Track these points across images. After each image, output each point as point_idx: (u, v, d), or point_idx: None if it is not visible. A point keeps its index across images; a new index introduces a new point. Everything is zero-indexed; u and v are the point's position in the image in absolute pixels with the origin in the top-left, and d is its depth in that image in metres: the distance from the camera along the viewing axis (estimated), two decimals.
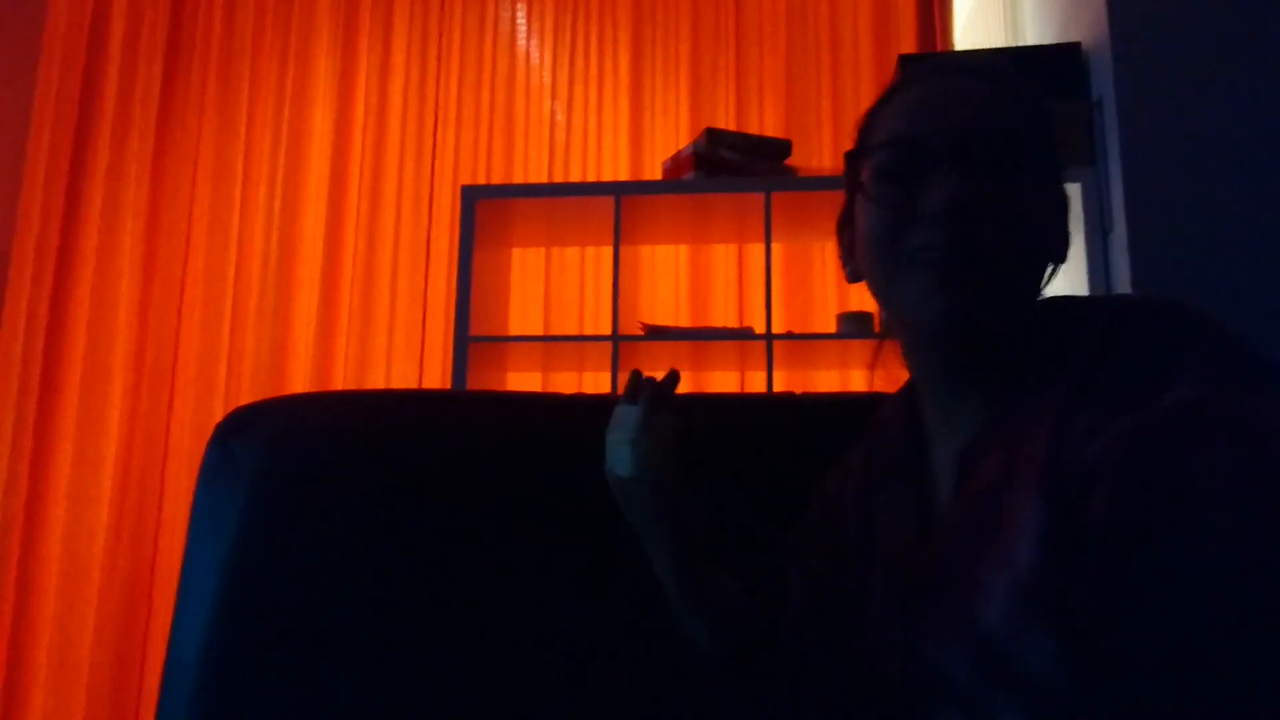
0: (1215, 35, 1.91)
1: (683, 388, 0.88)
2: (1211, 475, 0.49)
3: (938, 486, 0.71)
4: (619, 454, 0.82)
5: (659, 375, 0.90)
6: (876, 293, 0.72)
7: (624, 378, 2.48)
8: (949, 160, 0.65)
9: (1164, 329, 0.58)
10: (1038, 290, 0.68)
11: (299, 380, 3.10)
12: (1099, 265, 2.06)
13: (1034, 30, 2.61)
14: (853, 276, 0.77)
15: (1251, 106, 1.87)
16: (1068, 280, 2.20)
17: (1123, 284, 1.93)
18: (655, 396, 0.84)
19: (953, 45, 3.06)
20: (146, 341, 3.15)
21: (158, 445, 3.09)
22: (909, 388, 0.78)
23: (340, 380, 3.11)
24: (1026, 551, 0.57)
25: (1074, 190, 2.14)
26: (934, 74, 0.71)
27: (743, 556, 0.87)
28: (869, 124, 0.74)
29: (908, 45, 3.10)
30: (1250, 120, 1.86)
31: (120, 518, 2.99)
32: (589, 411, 0.96)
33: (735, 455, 0.94)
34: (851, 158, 0.75)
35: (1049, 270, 0.69)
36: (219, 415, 2.75)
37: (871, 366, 0.82)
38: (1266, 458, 0.49)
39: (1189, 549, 0.49)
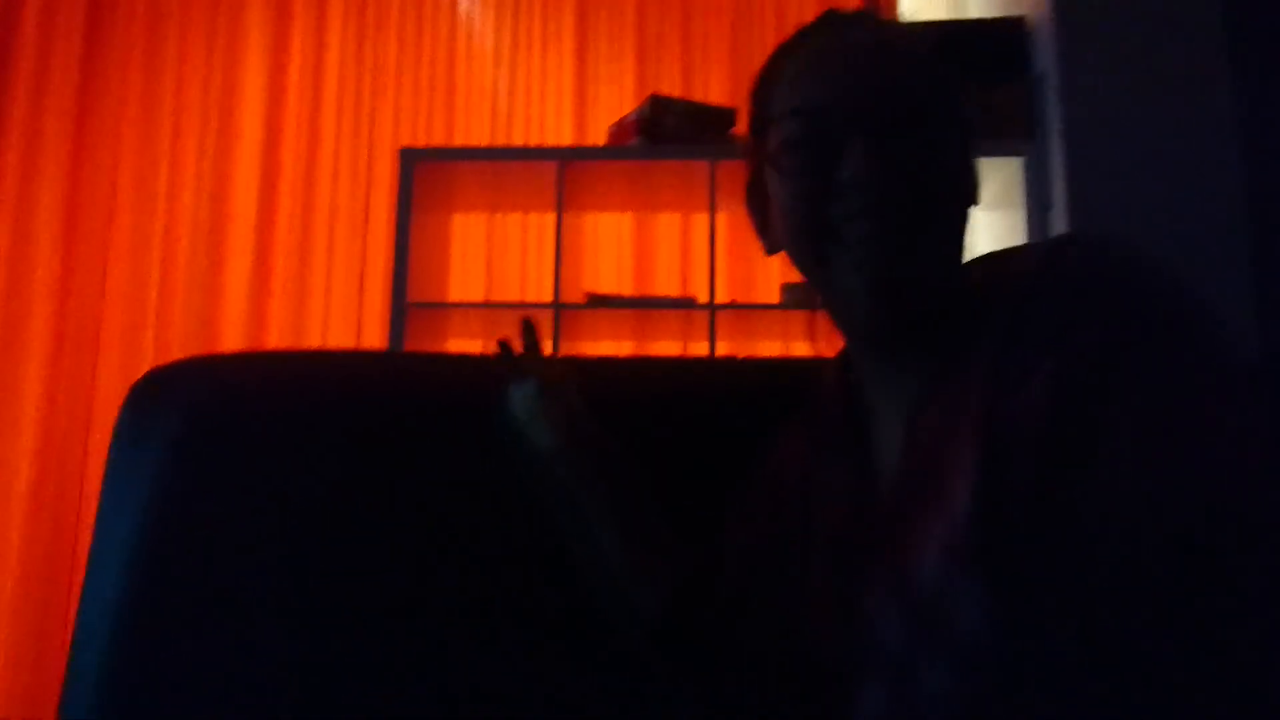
0: (1158, 13, 1.93)
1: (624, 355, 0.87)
2: (1118, 423, 0.50)
3: (880, 449, 0.70)
4: (534, 433, 0.83)
5: (595, 346, 0.88)
6: (800, 266, 0.70)
7: (565, 347, 2.46)
8: (857, 126, 0.63)
9: (1085, 271, 0.58)
10: (963, 240, 0.67)
11: (231, 347, 3.02)
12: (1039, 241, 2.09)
13: (978, 2, 2.62)
14: (771, 248, 0.76)
15: (1192, 85, 1.89)
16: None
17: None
18: (535, 365, 0.86)
19: (898, 16, 3.06)
20: (68, 306, 3.02)
21: (80, 414, 2.98)
22: (845, 354, 0.77)
23: (274, 347, 3.03)
24: (963, 501, 0.56)
25: (1014, 166, 2.16)
26: (820, 33, 0.69)
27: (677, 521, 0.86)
28: (764, 92, 0.72)
29: None
30: (1191, 99, 1.88)
31: (40, 489, 2.88)
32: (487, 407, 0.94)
33: (676, 418, 0.92)
34: (754, 127, 0.73)
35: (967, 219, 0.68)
36: None
37: (811, 338, 0.81)
38: (1168, 407, 0.50)
39: (1098, 496, 0.50)
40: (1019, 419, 0.54)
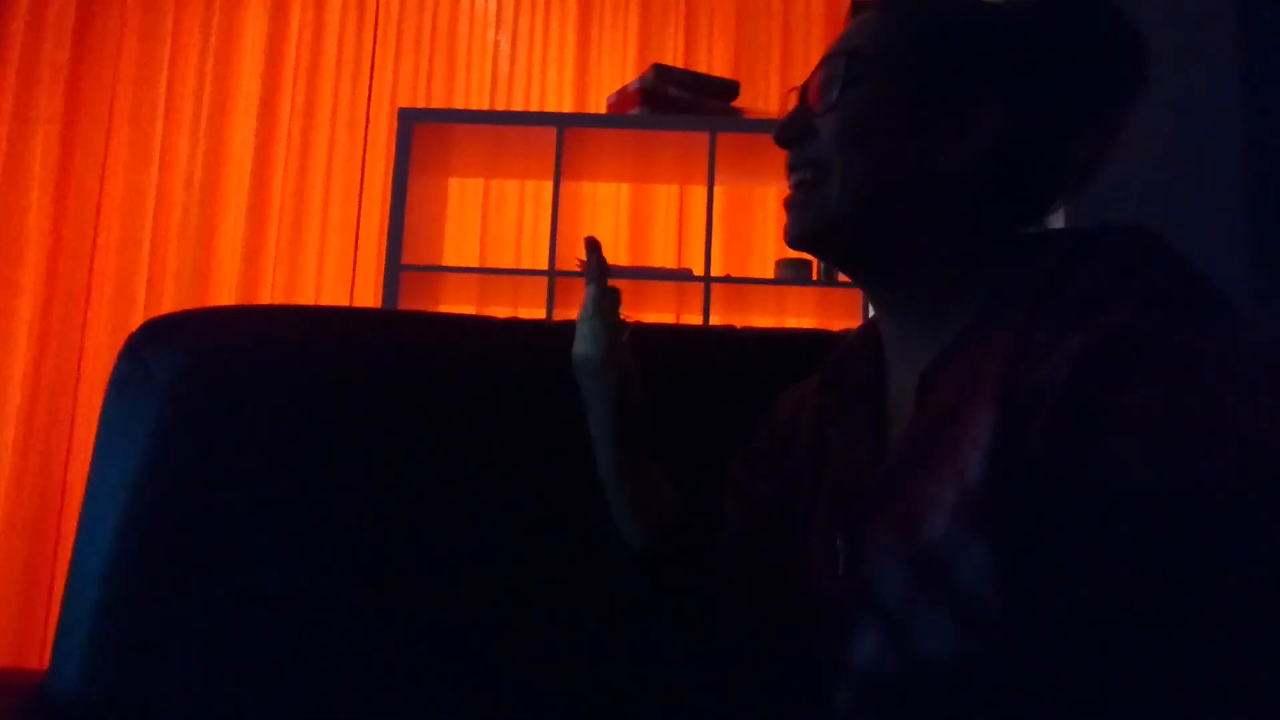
0: (1170, 4, 1.92)
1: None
2: (1138, 406, 0.51)
3: (895, 415, 0.72)
4: (581, 332, 0.84)
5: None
6: None
7: (559, 313, 2.45)
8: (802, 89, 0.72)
9: (1120, 255, 0.59)
10: (922, 202, 0.68)
11: (223, 304, 3.00)
12: None
13: None
14: None
15: (1196, 70, 1.89)
16: None
17: None
18: (598, 274, 0.85)
19: None
20: (60, 257, 3.00)
21: (70, 365, 2.97)
22: (873, 320, 0.78)
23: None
24: (976, 464, 0.57)
25: None
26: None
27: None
28: None
29: None
30: (1194, 85, 1.88)
31: (28, 439, 2.87)
32: (521, 335, 0.94)
33: (673, 385, 0.92)
34: None
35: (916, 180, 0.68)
36: None
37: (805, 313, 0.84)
38: (1188, 389, 0.51)
39: (1109, 476, 0.51)
40: (1039, 391, 0.55)
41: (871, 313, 0.81)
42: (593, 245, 0.86)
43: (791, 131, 0.71)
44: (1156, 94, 1.80)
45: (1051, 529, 0.54)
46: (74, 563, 0.88)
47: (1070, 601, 0.53)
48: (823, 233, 0.70)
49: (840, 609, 0.66)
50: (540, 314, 2.44)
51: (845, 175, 0.68)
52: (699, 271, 2.32)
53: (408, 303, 2.32)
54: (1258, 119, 1.80)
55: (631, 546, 0.84)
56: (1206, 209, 1.82)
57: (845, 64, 0.69)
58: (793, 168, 0.72)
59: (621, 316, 0.85)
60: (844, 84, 0.68)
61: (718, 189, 2.37)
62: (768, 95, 3.05)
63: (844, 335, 0.83)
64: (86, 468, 2.96)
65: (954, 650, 0.57)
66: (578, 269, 2.33)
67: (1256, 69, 1.81)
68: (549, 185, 2.49)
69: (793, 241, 0.72)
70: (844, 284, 2.30)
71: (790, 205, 0.72)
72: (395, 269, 2.26)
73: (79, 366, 2.98)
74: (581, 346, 0.83)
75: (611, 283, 0.85)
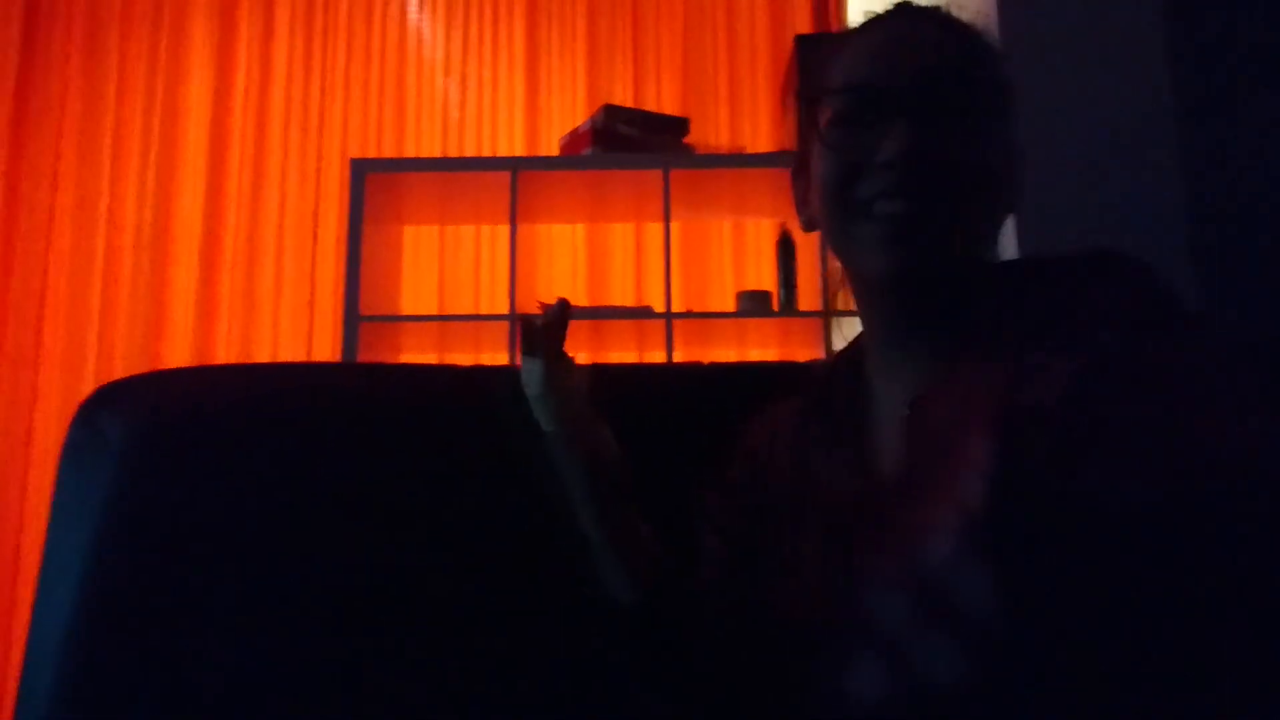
0: (1100, 7, 1.98)
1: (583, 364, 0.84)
2: (1138, 424, 0.52)
3: (881, 441, 0.71)
4: (537, 410, 0.80)
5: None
6: (830, 241, 0.72)
7: (521, 358, 2.44)
8: (905, 106, 0.65)
9: (1111, 282, 0.61)
10: (994, 238, 0.69)
11: (176, 364, 2.95)
12: None
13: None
14: (807, 225, 0.77)
15: (1131, 77, 1.94)
16: None
17: (1009, 247, 1.98)
18: (549, 345, 0.82)
19: (846, 25, 3.10)
20: (6, 322, 2.94)
21: (20, 433, 2.89)
22: (855, 345, 0.78)
23: (222, 363, 2.97)
24: (976, 488, 0.57)
25: None
26: (892, 18, 0.71)
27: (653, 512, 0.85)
28: (825, 67, 0.74)
29: (803, 25, 3.13)
30: (1129, 91, 1.93)
31: None
32: (485, 382, 0.93)
33: (640, 422, 0.92)
34: (808, 102, 0.75)
35: (1002, 219, 0.70)
36: None
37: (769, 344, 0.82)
38: (1187, 408, 0.51)
39: (1111, 495, 0.51)
40: (1038, 412, 0.55)
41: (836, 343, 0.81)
42: (525, 323, 0.82)
43: (939, 169, 0.65)
44: (1091, 97, 1.83)
45: (1054, 549, 0.54)
46: (32, 634, 0.85)
47: (1074, 621, 0.53)
48: (948, 272, 0.67)
49: (835, 638, 0.65)
50: (502, 358, 2.42)
51: (972, 219, 0.67)
52: (659, 308, 2.33)
53: (367, 354, 2.30)
54: (1191, 119, 1.85)
55: (617, 602, 0.81)
56: (1145, 212, 1.86)
57: (975, 92, 0.66)
58: (910, 193, 0.65)
59: (576, 362, 0.81)
60: (977, 116, 0.66)
61: (673, 225, 2.39)
62: (718, 130, 3.09)
63: (815, 363, 0.83)
64: (40, 536, 2.85)
65: (960, 675, 0.56)
66: (538, 312, 2.32)
67: (1187, 72, 1.86)
68: (505, 229, 2.49)
69: (914, 269, 0.65)
70: (804, 314, 2.32)
71: (917, 227, 0.65)
72: (354, 320, 2.24)
73: (29, 434, 2.90)
74: (546, 427, 0.79)
75: (571, 323, 0.84)
